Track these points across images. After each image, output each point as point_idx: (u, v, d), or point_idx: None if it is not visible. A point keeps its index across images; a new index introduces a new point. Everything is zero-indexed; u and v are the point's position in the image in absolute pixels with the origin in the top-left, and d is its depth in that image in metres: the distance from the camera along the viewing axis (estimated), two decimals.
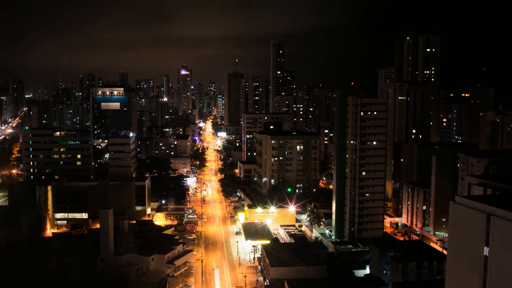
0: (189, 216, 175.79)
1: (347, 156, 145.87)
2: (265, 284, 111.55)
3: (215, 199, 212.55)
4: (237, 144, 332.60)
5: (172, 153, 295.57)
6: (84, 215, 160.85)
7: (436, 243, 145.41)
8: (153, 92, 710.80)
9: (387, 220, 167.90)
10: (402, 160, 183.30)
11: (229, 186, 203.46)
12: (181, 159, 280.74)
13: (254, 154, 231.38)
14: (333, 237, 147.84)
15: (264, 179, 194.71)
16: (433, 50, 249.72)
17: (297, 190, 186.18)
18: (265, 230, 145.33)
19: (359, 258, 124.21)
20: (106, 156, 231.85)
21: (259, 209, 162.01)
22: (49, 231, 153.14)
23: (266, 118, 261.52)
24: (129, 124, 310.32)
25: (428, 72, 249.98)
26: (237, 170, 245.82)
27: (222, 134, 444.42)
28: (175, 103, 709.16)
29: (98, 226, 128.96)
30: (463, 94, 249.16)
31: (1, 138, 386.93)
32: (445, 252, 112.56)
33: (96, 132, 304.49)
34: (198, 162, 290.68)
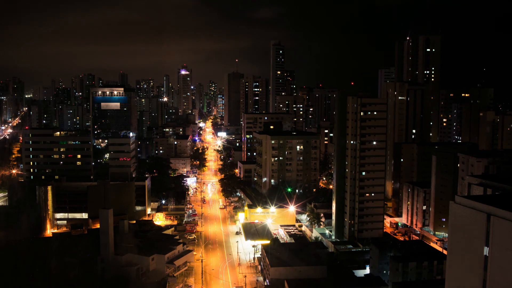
0: (189, 215, 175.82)
1: (347, 156, 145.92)
2: (265, 284, 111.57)
3: (215, 199, 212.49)
4: (237, 144, 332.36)
5: (172, 153, 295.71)
6: (84, 215, 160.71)
7: (436, 243, 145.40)
8: (153, 92, 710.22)
9: (387, 220, 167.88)
10: (402, 160, 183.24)
11: (229, 186, 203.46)
12: (181, 159, 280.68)
13: (254, 154, 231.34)
14: (333, 237, 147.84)
15: (264, 179, 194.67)
16: (433, 50, 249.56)
17: (297, 190, 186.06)
18: (265, 230, 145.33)
19: (359, 258, 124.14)
20: (106, 156, 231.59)
21: (259, 209, 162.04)
22: (49, 231, 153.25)
23: (266, 118, 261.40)
24: (129, 124, 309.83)
25: (428, 72, 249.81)
26: (237, 170, 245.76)
27: (222, 134, 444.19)
28: (175, 103, 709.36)
29: (98, 226, 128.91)
30: (463, 94, 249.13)
31: (1, 138, 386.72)
32: (445, 252, 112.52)
33: (96, 132, 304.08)
34: (198, 162, 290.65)
